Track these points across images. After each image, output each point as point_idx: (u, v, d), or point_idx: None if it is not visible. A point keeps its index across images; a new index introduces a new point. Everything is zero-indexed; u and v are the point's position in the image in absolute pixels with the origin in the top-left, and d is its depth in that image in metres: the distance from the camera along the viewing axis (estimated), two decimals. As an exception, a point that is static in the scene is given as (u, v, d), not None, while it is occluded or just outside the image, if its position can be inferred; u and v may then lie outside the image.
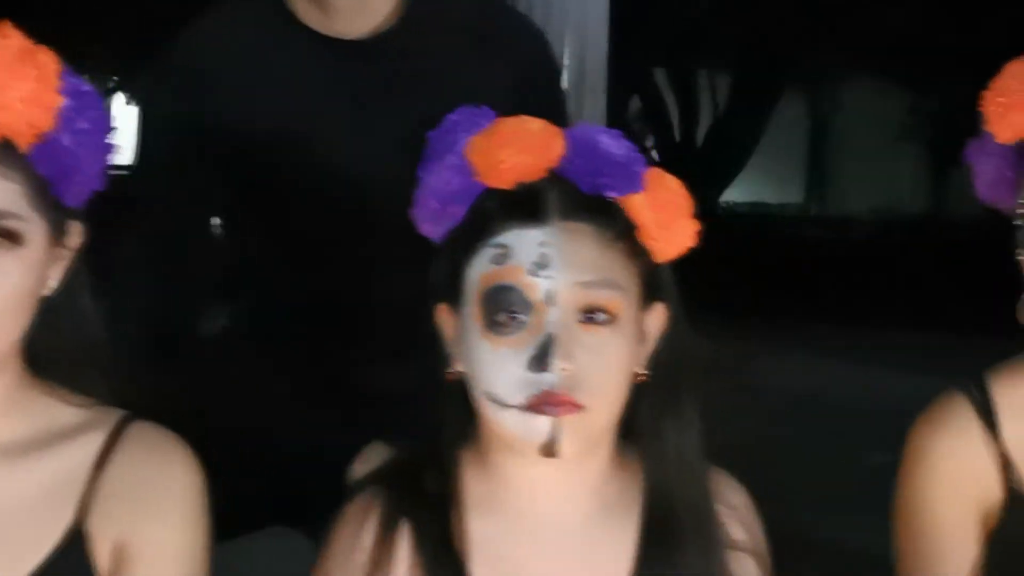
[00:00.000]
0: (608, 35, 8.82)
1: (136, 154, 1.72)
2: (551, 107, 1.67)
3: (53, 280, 1.27)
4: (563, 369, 1.26)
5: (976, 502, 1.46)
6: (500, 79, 1.69)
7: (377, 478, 1.36)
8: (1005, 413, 1.47)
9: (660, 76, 16.45)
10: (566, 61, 8.66)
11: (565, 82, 8.62)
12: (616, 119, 15.09)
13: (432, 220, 1.35)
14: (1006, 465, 1.46)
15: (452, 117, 1.36)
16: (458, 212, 1.33)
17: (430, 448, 1.35)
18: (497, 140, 1.31)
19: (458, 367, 1.32)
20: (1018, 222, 1.43)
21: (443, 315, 1.34)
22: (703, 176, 15.73)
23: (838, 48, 12.39)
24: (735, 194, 17.18)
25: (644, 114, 16.79)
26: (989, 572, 1.46)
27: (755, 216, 15.80)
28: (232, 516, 1.36)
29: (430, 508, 1.32)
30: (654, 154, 16.43)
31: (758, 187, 17.08)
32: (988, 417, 1.47)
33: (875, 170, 16.77)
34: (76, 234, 1.29)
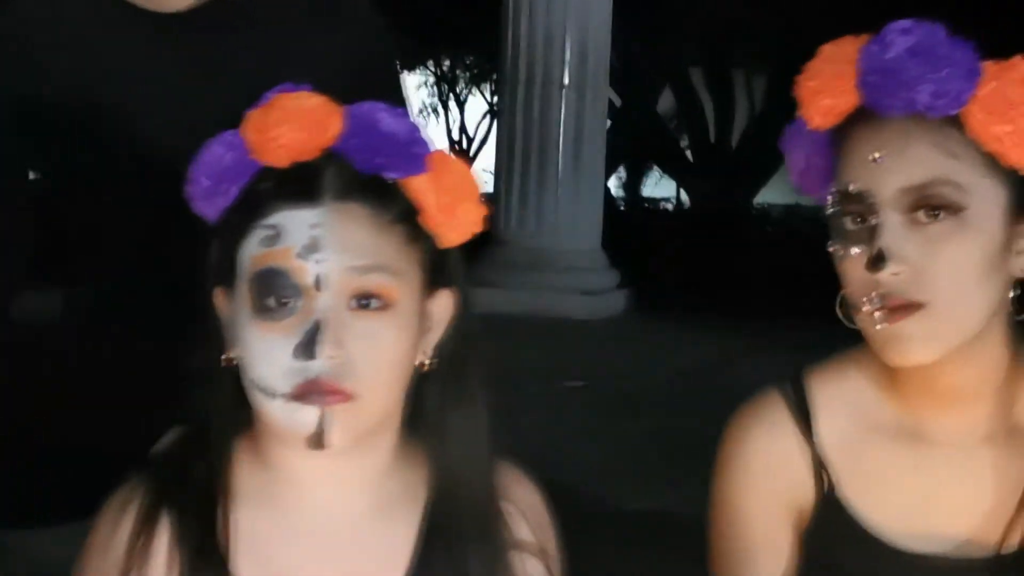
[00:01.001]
0: (611, 33, 8.82)
1: None
2: (384, 87, 1.63)
3: None
4: (331, 357, 1.21)
5: (789, 502, 1.42)
6: (328, 56, 1.64)
7: (144, 466, 1.31)
8: (820, 412, 1.43)
9: (696, 75, 16.35)
10: (567, 58, 8.72)
11: (566, 78, 8.67)
12: (642, 116, 15.07)
13: (205, 198, 1.29)
14: (819, 465, 1.41)
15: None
16: (232, 191, 1.28)
17: (201, 436, 1.30)
18: (272, 116, 1.26)
19: (233, 353, 1.27)
20: (830, 212, 1.38)
21: (219, 298, 1.29)
22: (738, 177, 15.67)
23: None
24: (770, 195, 17.06)
25: (679, 114, 16.71)
26: (803, 573, 1.41)
27: (790, 218, 15.66)
28: (60, 503, 1.32)
29: (194, 500, 1.27)
30: (688, 154, 16.37)
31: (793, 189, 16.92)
32: (803, 416, 1.43)
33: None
34: None
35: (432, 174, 1.29)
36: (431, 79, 20.05)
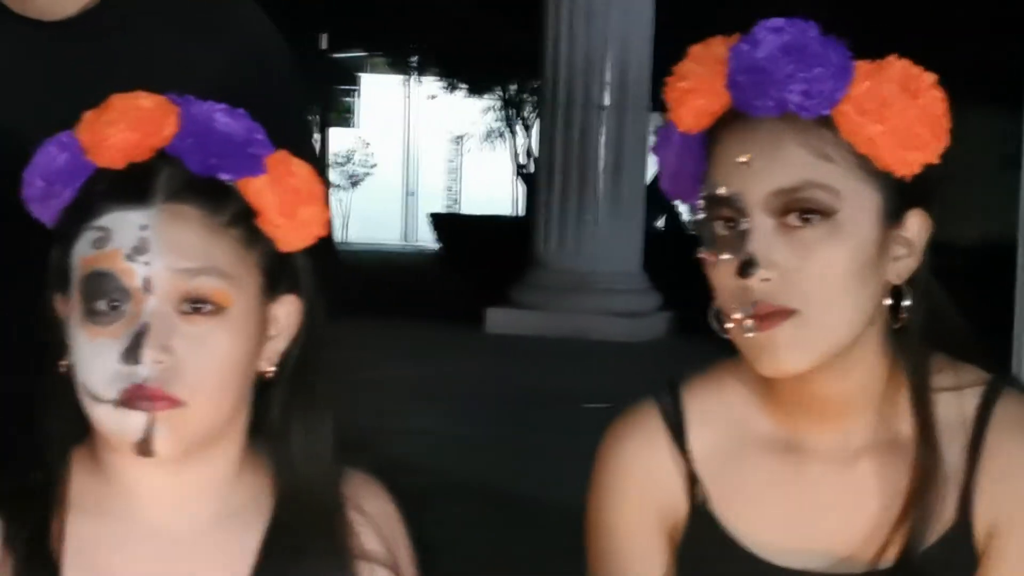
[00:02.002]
0: (651, 50, 8.81)
1: None
2: (272, 94, 1.60)
3: None
4: (157, 362, 1.18)
5: (661, 515, 1.38)
6: (211, 63, 1.62)
7: None
8: (694, 424, 1.38)
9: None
10: (607, 80, 8.71)
11: (607, 99, 8.67)
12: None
13: (40, 201, 1.26)
14: (692, 478, 1.36)
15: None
16: (65, 193, 1.25)
17: (37, 447, 1.27)
18: (105, 116, 1.24)
19: (68, 359, 1.24)
20: (699, 217, 1.33)
21: (58, 304, 1.26)
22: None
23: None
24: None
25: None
26: (677, 587, 1.37)
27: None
28: None
29: (27, 507, 1.24)
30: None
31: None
32: (677, 427, 1.38)
33: (980, 197, 16.36)
34: None
35: (271, 176, 1.25)
36: (498, 104, 20.18)
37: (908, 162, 1.29)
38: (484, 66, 17.69)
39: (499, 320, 8.33)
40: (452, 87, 20.15)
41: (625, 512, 1.38)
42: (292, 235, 1.26)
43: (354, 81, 26.90)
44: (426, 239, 21.45)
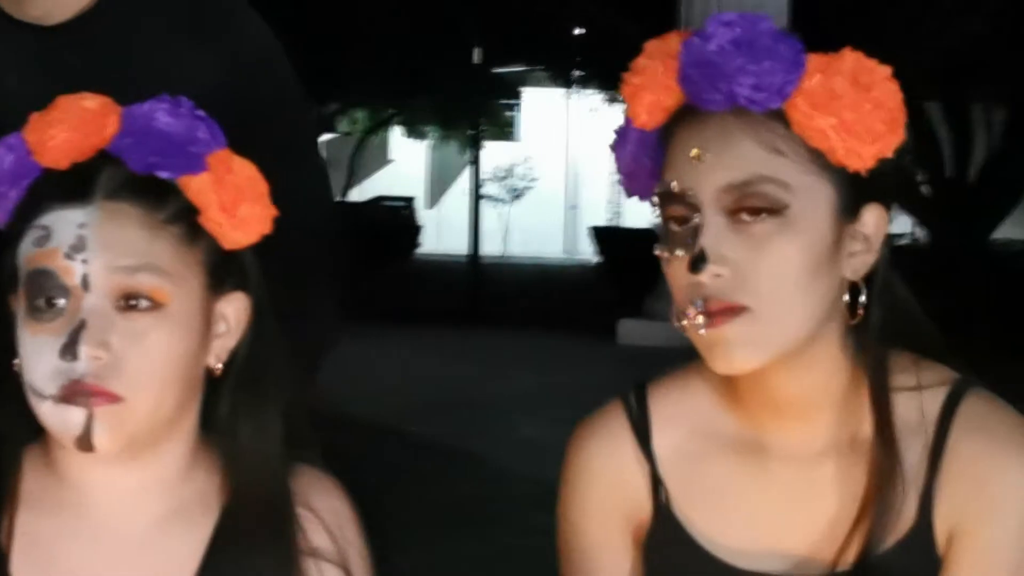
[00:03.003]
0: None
1: None
2: (269, 99, 1.62)
3: None
4: (95, 358, 1.20)
5: (627, 516, 1.37)
6: (207, 68, 1.64)
7: None
8: (658, 424, 1.37)
9: (933, 109, 15.96)
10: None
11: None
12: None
13: None
14: (655, 478, 1.35)
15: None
16: (12, 193, 1.28)
17: None
18: (49, 118, 1.27)
19: (18, 358, 1.26)
20: (656, 214, 1.31)
21: (12, 303, 1.29)
22: (975, 212, 15.17)
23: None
24: (1009, 231, 16.46)
25: (915, 148, 16.32)
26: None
27: (1029, 253, 15.07)
28: None
29: None
30: (924, 188, 15.92)
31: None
32: (642, 428, 1.37)
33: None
34: None
35: (212, 173, 1.27)
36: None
37: (862, 156, 1.26)
38: (616, 69, 17.62)
39: (631, 331, 8.26)
40: (613, 100, 20.15)
41: (590, 512, 1.37)
42: (234, 233, 1.27)
43: (516, 95, 27.07)
44: (589, 252, 21.48)
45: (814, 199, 1.25)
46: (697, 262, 1.24)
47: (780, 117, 1.25)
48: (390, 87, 19.76)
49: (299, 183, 1.38)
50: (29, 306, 1.23)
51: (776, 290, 1.24)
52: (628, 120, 1.33)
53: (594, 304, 11.25)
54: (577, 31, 17.18)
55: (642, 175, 1.34)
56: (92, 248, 1.22)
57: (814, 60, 1.26)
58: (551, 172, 30.08)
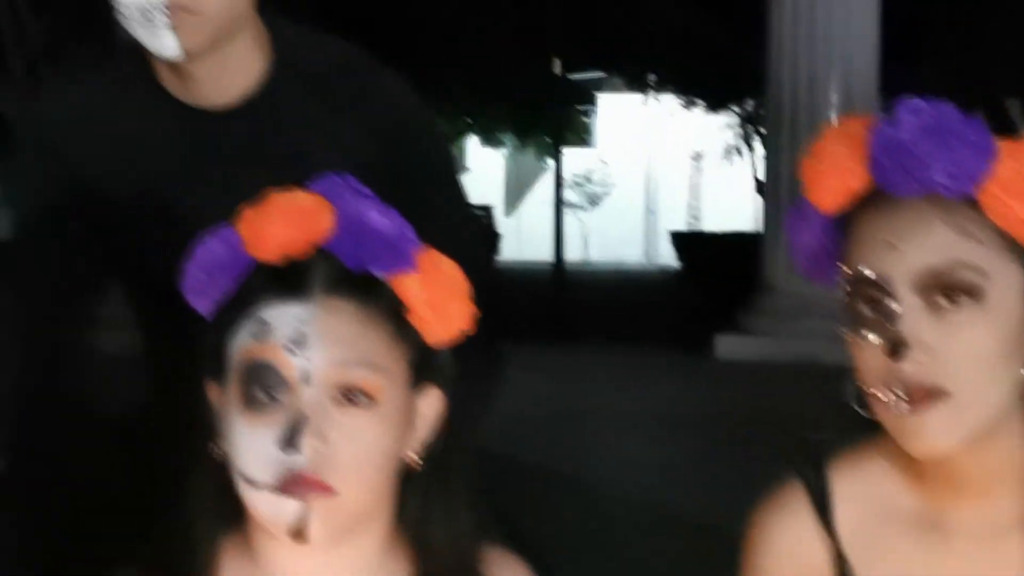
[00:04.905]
0: (878, 70, 8.60)
1: (15, 228, 1.78)
2: (420, 169, 1.67)
3: None
4: (314, 450, 1.24)
5: None
6: (364, 143, 1.69)
7: (135, 560, 1.34)
8: (840, 501, 1.39)
9: (1013, 106, 15.73)
10: (832, 100, 8.51)
11: (833, 120, 8.46)
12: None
13: (198, 292, 1.33)
14: (838, 556, 1.37)
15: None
16: (224, 284, 1.31)
17: (188, 527, 1.32)
18: (264, 213, 1.30)
19: (221, 444, 1.30)
20: (844, 298, 1.34)
21: (211, 391, 1.32)
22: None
23: None
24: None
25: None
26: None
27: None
28: None
29: None
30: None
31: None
32: (823, 506, 1.39)
33: None
34: None
35: (421, 271, 1.31)
36: (736, 120, 20.03)
37: (1055, 242, 1.28)
38: (721, 83, 17.56)
39: (730, 346, 8.26)
40: (690, 104, 20.06)
41: None
42: (439, 329, 1.32)
43: (592, 101, 27.01)
44: (668, 257, 21.38)
45: (1007, 283, 1.28)
46: (899, 348, 1.26)
47: (971, 202, 1.28)
48: (466, 96, 19.80)
49: (455, 252, 1.44)
50: (245, 397, 1.27)
51: (975, 374, 1.26)
52: (809, 204, 1.36)
53: (680, 313, 11.19)
54: (654, 34, 17.12)
55: (824, 259, 1.38)
56: (313, 344, 1.26)
57: (1003, 146, 1.29)
58: (628, 177, 29.98)
